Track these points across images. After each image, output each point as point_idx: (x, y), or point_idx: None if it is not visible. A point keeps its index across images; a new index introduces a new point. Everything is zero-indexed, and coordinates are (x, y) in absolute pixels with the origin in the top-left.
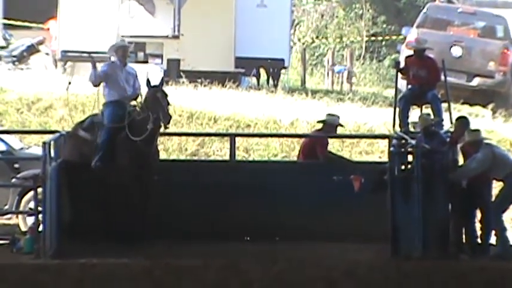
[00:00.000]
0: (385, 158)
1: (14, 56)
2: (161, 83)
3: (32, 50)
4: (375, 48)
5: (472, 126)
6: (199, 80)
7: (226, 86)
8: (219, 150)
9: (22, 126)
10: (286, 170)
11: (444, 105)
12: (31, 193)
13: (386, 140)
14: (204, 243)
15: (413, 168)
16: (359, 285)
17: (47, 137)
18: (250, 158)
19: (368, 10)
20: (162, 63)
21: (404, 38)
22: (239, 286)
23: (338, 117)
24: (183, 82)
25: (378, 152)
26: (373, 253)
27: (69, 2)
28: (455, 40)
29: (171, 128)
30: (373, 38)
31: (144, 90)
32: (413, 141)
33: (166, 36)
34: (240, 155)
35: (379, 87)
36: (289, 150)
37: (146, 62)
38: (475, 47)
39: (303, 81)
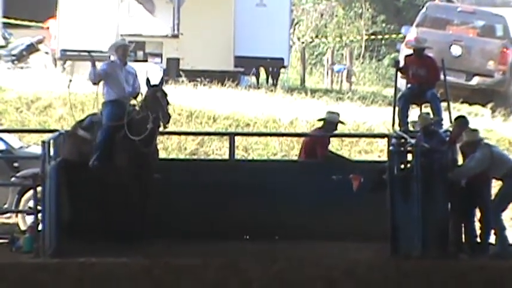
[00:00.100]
0: (384, 157)
1: (14, 55)
2: (161, 83)
3: (32, 49)
4: (374, 48)
5: (472, 126)
6: (198, 79)
7: (225, 85)
8: (218, 150)
9: (21, 125)
10: (285, 169)
11: (443, 104)
12: (30, 192)
13: (386, 139)
14: (203, 243)
15: (412, 167)
16: (358, 284)
17: (46, 136)
18: (250, 157)
19: (367, 9)
20: (161, 62)
21: (404, 37)
22: (238, 285)
23: (338, 114)
24: (182, 81)
25: (377, 151)
26: (372, 252)
27: (68, 1)
28: (454, 39)
29: (171, 127)
30: (372, 37)
31: (143, 89)
32: (412, 141)
33: (166, 36)
34: (239, 154)
35: (379, 86)
36: (289, 150)
37: (146, 61)
38: (475, 46)
39: (303, 81)
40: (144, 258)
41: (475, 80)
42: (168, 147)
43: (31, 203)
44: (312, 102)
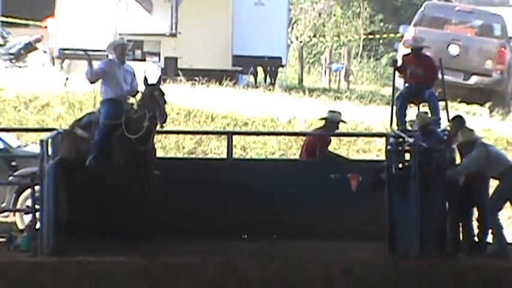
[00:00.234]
0: (382, 157)
1: (12, 54)
2: (158, 82)
3: (30, 47)
4: (372, 47)
5: (470, 125)
6: (196, 78)
7: (223, 84)
8: (216, 148)
9: (19, 124)
10: (283, 168)
11: (441, 103)
12: (28, 191)
13: (384, 139)
14: (201, 241)
15: (410, 166)
16: (356, 283)
17: (45, 135)
18: (248, 156)
19: (365, 8)
20: (159, 61)
21: (402, 36)
22: (237, 284)
23: (340, 113)
24: (180, 80)
25: (375, 151)
26: (370, 251)
27: (67, 0)
28: (452, 38)
29: (169, 126)
30: (370, 37)
31: (141, 88)
32: (410, 140)
33: (164, 34)
34: (237, 153)
35: (377, 85)
36: (287, 149)
37: (144, 60)
38: (472, 46)
39: (301, 80)
40: (142, 257)
41: (473, 80)
42: (166, 146)
43: (29, 202)
44: (310, 102)
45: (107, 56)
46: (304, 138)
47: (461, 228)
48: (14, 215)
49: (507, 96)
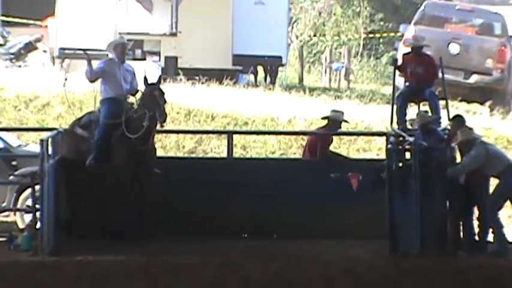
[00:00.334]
0: (382, 156)
1: (12, 54)
2: (158, 81)
3: (30, 47)
4: (372, 46)
5: (470, 124)
6: (196, 78)
7: (223, 84)
8: (216, 148)
9: (20, 123)
10: (283, 168)
11: (442, 102)
12: (29, 190)
13: (384, 138)
14: (201, 241)
15: (411, 165)
16: (357, 282)
17: (45, 135)
18: (248, 156)
19: (366, 7)
20: (159, 60)
21: (402, 35)
22: (237, 284)
23: (342, 113)
24: (180, 79)
25: (376, 150)
26: (371, 251)
27: (67, 0)
28: (452, 37)
29: (169, 126)
30: (370, 36)
31: (141, 87)
32: (411, 139)
33: (164, 34)
34: (237, 153)
35: (377, 84)
36: (287, 148)
37: (144, 59)
38: (473, 44)
39: (301, 79)
40: (142, 256)
41: (474, 78)
42: (166, 146)
43: (29, 202)
44: (310, 101)
45: (107, 55)
46: (304, 137)
47: (461, 227)
48: (15, 214)
49: (507, 95)
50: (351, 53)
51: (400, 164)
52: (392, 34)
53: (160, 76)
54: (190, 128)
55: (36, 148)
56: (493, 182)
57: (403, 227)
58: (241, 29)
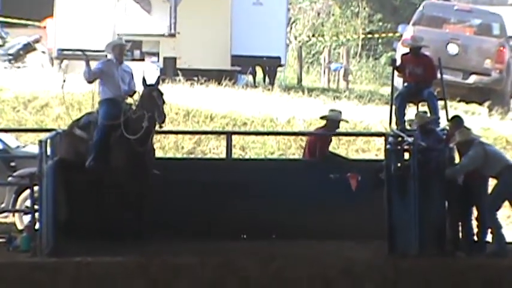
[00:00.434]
0: (381, 156)
1: (10, 55)
2: (157, 82)
3: (29, 48)
4: (371, 46)
5: (468, 124)
6: (195, 78)
7: (222, 84)
8: (215, 149)
9: (18, 124)
10: (282, 168)
11: (440, 103)
12: (27, 191)
13: (383, 138)
14: (200, 242)
15: (409, 165)
16: (356, 283)
17: (43, 136)
18: (247, 156)
19: (364, 8)
20: (158, 61)
21: (401, 35)
22: (236, 284)
23: (340, 112)
24: (179, 80)
25: (375, 150)
26: (370, 251)
27: (65, 0)
28: (451, 38)
29: (168, 126)
30: (369, 36)
31: (140, 88)
32: (409, 139)
33: (163, 35)
34: (236, 153)
35: (375, 85)
36: (286, 148)
37: (142, 60)
38: (471, 45)
39: (299, 79)
40: (141, 257)
41: (472, 79)
42: (165, 146)
43: (28, 203)
44: (309, 101)
45: (106, 56)
46: (303, 138)
47: (460, 228)
48: (13, 215)
49: (506, 95)
50: (350, 53)
51: (399, 165)
52: (390, 34)
53: (158, 77)
54: (189, 128)
55: (34, 149)
56: (491, 183)
57: (401, 227)
58: (239, 29)
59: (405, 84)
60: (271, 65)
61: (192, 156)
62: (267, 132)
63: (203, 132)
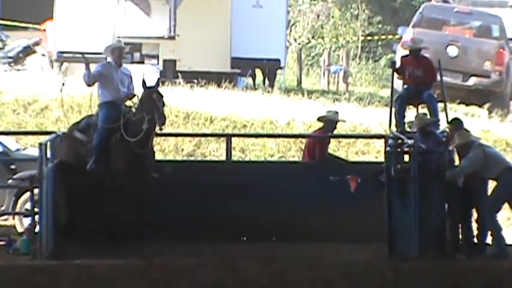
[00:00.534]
0: (381, 158)
1: (10, 57)
2: (157, 84)
3: (28, 51)
4: (370, 48)
5: (468, 126)
6: (195, 81)
7: (222, 87)
8: (215, 151)
9: (18, 127)
10: (282, 171)
11: (440, 105)
12: (27, 194)
13: (383, 140)
14: (200, 244)
15: (409, 168)
16: (356, 285)
17: (43, 138)
18: (247, 159)
19: (364, 10)
20: (158, 63)
21: (400, 37)
22: (236, 285)
23: (337, 112)
24: (179, 83)
25: (374, 152)
26: (370, 253)
27: (65, 3)
28: (451, 40)
29: (167, 129)
30: (369, 38)
31: (139, 91)
32: (409, 141)
33: (162, 37)
34: (236, 156)
35: (375, 87)
36: (286, 151)
37: (142, 62)
38: (471, 47)
39: (299, 82)
40: (141, 259)
41: (472, 81)
42: (165, 149)
43: (28, 205)
44: (308, 103)
45: (106, 59)
46: (303, 140)
47: (460, 230)
48: (13, 218)
49: (506, 98)
50: (349, 55)
51: (399, 167)
52: (390, 37)
53: (158, 79)
54: (188, 131)
55: (34, 152)
56: (491, 185)
57: (401, 229)
58: (239, 32)
59: (405, 86)
60: (270, 67)
61: (192, 158)
62: (266, 134)
63: (203, 135)
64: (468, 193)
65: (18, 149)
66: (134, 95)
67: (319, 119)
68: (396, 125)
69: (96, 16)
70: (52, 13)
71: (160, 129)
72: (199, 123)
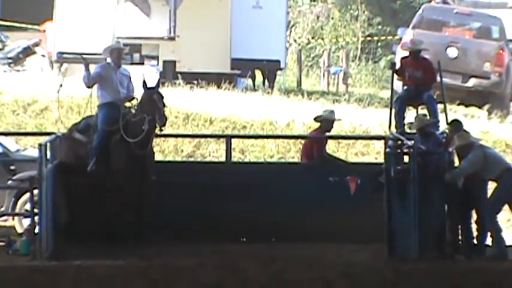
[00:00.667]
0: (381, 159)
1: (10, 58)
2: (157, 85)
3: (28, 51)
4: (370, 50)
5: (468, 128)
6: (195, 82)
7: (222, 88)
8: (215, 152)
9: (18, 128)
10: (282, 172)
11: (440, 106)
12: (27, 195)
13: (382, 141)
14: (200, 245)
15: (409, 169)
16: (355, 285)
17: (43, 139)
18: (246, 160)
19: (363, 11)
20: (158, 64)
21: (400, 39)
22: (236, 285)
23: (333, 111)
24: (179, 83)
25: (374, 153)
26: (369, 254)
27: (65, 4)
28: (450, 41)
29: (167, 130)
30: (368, 39)
31: (139, 92)
32: (409, 142)
33: (162, 38)
34: (236, 156)
35: (375, 88)
36: (285, 152)
37: (142, 63)
38: (471, 48)
39: (299, 83)
40: (141, 260)
41: (472, 82)
42: (165, 150)
43: (28, 206)
44: (308, 104)
45: (105, 59)
46: (303, 141)
47: (460, 231)
48: (13, 219)
49: (505, 99)
50: (349, 56)
51: (399, 168)
52: (390, 38)
53: (159, 79)
54: (188, 132)
55: (34, 152)
56: (491, 186)
57: (401, 230)
58: (239, 33)
59: (405, 87)
60: (270, 68)
61: (192, 159)
62: (266, 135)
63: (203, 136)
64: (468, 194)
65: (18, 150)
66: (133, 98)
67: (315, 119)
68: (396, 126)
69: (96, 17)
70: (52, 14)
71: (161, 130)
72: (199, 124)
